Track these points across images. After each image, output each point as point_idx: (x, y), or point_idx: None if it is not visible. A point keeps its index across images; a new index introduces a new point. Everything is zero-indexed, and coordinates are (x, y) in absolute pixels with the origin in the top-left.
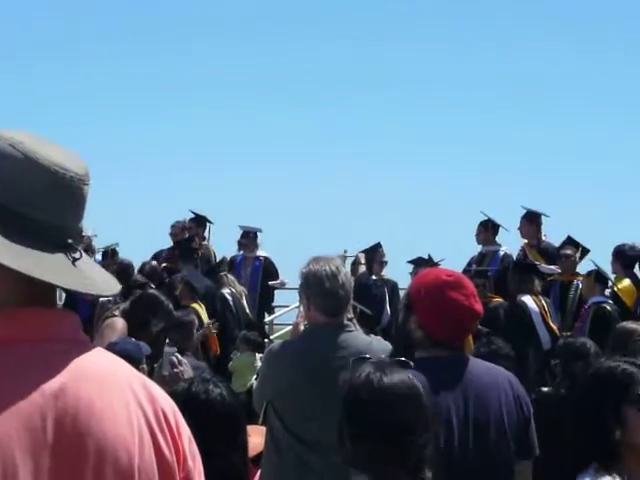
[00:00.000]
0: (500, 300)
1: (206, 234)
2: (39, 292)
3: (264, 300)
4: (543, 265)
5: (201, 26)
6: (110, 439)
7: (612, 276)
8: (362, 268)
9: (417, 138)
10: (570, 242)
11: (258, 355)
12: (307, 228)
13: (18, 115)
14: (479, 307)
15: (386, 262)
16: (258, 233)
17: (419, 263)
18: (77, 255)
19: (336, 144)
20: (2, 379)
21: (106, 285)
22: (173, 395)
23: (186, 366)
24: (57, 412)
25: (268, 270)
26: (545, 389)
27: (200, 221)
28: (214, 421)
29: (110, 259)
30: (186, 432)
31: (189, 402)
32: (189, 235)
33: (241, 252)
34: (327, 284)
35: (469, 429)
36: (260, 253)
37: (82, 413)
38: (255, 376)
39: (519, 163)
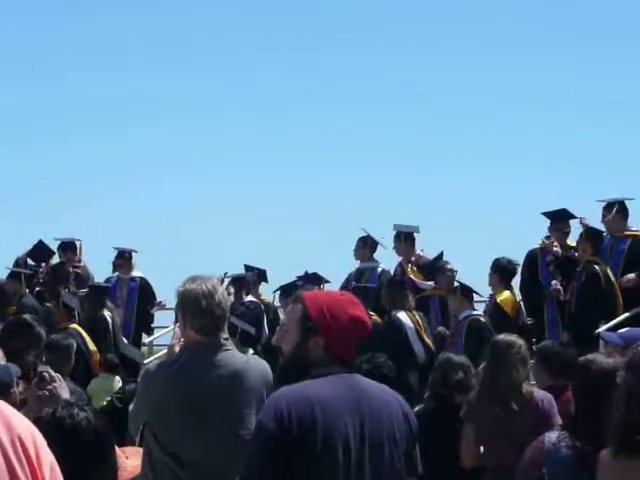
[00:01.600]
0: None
1: (78, 254)
2: None
3: (142, 321)
4: (420, 281)
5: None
6: None
7: (489, 289)
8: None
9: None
10: (440, 257)
11: (116, 377)
12: (186, 249)
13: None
14: (369, 323)
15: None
16: (133, 253)
17: (307, 281)
18: None
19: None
20: None
21: None
22: (37, 421)
23: (60, 382)
24: None
25: (145, 291)
26: (416, 409)
27: (67, 246)
28: (81, 446)
29: None
30: (47, 459)
31: (54, 428)
32: (60, 261)
33: (116, 273)
34: (203, 303)
35: (365, 445)
36: (136, 274)
37: None
38: (109, 398)
39: (393, 183)
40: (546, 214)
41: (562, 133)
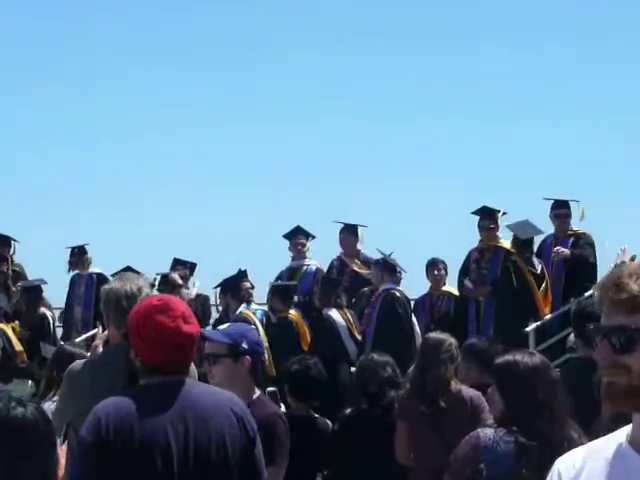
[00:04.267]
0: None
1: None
2: None
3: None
4: (365, 272)
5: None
6: None
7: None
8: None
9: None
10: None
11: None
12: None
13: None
14: (190, 328)
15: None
16: (86, 247)
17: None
18: None
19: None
20: None
21: None
22: None
23: None
24: None
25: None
26: (347, 411)
27: (4, 241)
28: (15, 439)
29: None
30: None
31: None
32: None
33: (75, 271)
34: (124, 303)
35: (189, 453)
36: (93, 270)
37: None
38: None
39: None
40: (551, 200)
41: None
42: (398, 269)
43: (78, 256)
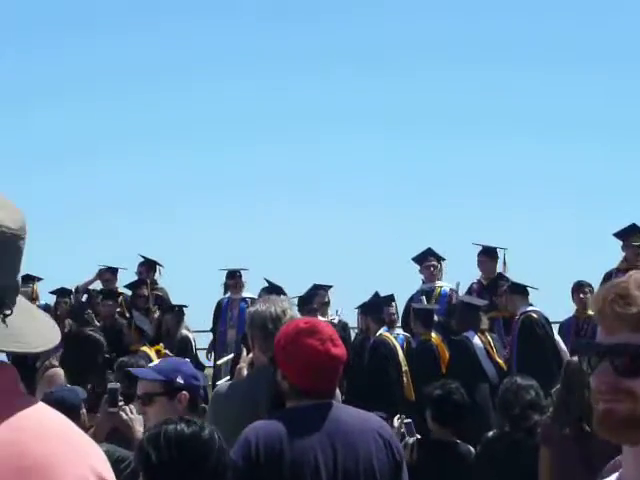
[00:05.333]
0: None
1: (157, 277)
2: None
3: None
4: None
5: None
6: None
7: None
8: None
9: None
10: (502, 277)
11: None
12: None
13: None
14: (337, 350)
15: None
16: (243, 272)
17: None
18: (8, 312)
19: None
20: None
21: (39, 340)
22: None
23: (133, 415)
24: None
25: None
26: (490, 434)
27: (150, 265)
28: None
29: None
30: None
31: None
32: (139, 279)
33: (227, 294)
34: (269, 325)
35: (338, 478)
36: (246, 294)
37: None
38: None
39: (469, 198)
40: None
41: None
42: (527, 288)
43: (235, 279)
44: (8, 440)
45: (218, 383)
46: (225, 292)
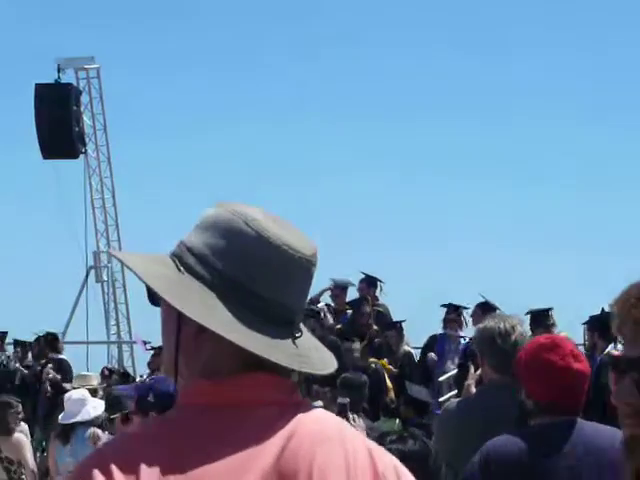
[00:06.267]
0: None
1: (377, 294)
2: (256, 359)
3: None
4: None
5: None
6: None
7: None
8: None
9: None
10: None
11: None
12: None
13: None
14: (579, 365)
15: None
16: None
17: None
18: (297, 333)
19: None
20: (217, 443)
21: (321, 363)
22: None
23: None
24: (278, 474)
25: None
26: None
27: (370, 281)
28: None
29: None
30: None
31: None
32: (361, 297)
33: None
34: (498, 341)
35: None
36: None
37: (302, 473)
38: None
39: None
40: None
41: None
42: None
43: (456, 315)
44: (289, 448)
45: (441, 399)
46: (444, 327)
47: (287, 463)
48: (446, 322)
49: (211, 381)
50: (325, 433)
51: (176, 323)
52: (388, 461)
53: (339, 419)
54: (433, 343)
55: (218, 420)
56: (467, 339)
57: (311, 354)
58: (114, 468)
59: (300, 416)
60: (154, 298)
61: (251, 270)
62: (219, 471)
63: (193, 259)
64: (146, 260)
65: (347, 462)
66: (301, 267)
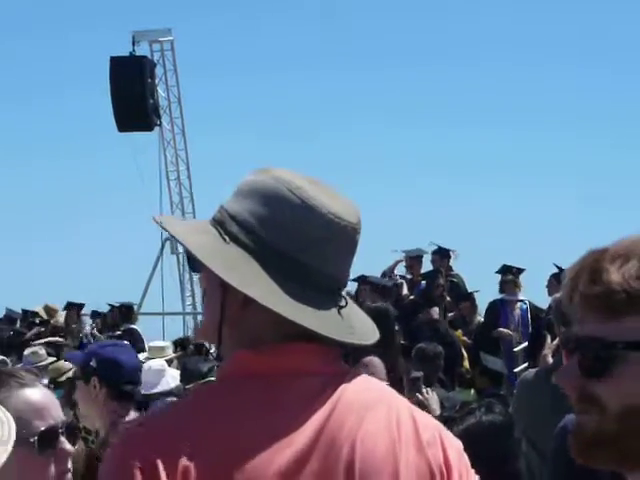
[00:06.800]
0: None
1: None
2: (300, 328)
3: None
4: None
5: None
6: (377, 464)
7: None
8: None
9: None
10: None
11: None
12: None
13: None
14: None
15: None
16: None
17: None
18: (343, 303)
19: None
20: (264, 412)
21: (364, 334)
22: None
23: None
24: (323, 443)
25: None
26: None
27: (443, 253)
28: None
29: None
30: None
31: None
32: (435, 269)
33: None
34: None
35: None
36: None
37: (346, 442)
38: None
39: None
40: None
41: None
42: None
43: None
44: (333, 418)
45: (516, 370)
46: (500, 291)
47: (332, 432)
48: (503, 285)
49: (256, 351)
50: (369, 401)
51: (220, 292)
52: (433, 428)
53: (383, 386)
54: (495, 310)
55: (264, 390)
56: (527, 302)
57: (355, 325)
58: (165, 442)
59: (344, 385)
60: (195, 265)
61: (296, 239)
62: (265, 441)
63: (237, 227)
64: (190, 228)
65: (390, 430)
66: (347, 235)
